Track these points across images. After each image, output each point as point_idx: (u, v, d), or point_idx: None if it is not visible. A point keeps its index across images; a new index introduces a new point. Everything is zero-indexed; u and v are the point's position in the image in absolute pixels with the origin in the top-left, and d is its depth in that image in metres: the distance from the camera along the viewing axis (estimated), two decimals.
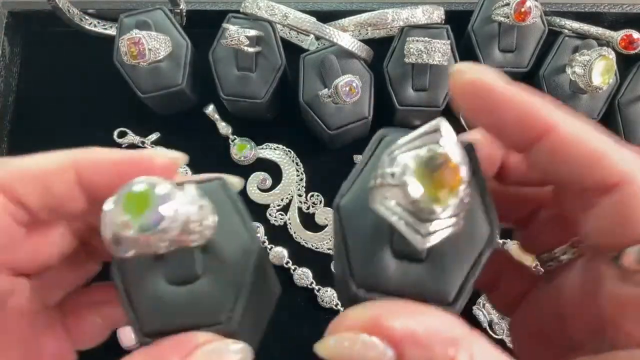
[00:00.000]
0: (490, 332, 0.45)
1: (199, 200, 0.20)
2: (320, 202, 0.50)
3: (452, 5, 0.51)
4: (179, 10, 0.49)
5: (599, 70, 0.44)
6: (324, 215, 0.49)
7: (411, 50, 0.45)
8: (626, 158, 0.19)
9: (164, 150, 0.24)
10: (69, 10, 0.47)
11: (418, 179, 0.17)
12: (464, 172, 0.17)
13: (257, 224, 0.48)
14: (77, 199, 0.22)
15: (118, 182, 0.21)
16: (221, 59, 0.47)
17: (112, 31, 0.49)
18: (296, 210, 0.49)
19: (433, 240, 0.18)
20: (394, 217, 0.18)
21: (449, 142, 0.17)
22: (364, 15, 0.47)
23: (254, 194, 0.49)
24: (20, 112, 0.53)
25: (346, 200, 0.21)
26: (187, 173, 0.47)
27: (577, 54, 0.46)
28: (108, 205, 0.19)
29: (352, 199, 0.21)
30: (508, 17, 0.45)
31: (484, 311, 0.46)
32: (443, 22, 0.48)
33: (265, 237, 0.48)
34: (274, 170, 0.50)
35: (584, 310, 0.21)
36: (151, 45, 0.45)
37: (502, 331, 0.45)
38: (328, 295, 0.47)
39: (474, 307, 0.46)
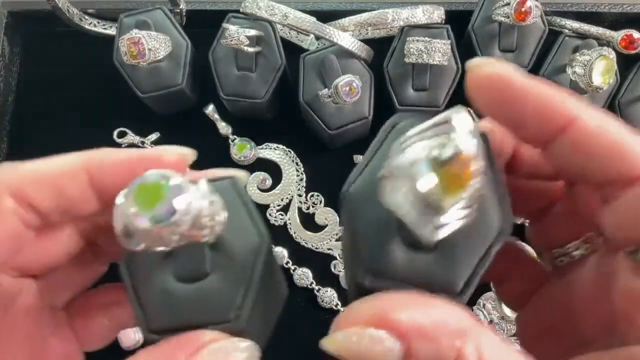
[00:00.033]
0: None
1: (211, 196, 0.20)
2: (320, 202, 0.50)
3: (452, 5, 0.51)
4: (178, 10, 0.49)
5: (599, 70, 0.44)
6: (324, 215, 0.49)
7: (411, 50, 0.45)
8: None
9: (173, 147, 0.24)
10: (68, 10, 0.47)
11: (429, 172, 0.16)
12: (476, 165, 0.17)
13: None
14: (90, 200, 0.22)
15: (130, 181, 0.21)
16: (221, 59, 0.47)
17: (111, 31, 0.49)
18: (296, 210, 0.49)
19: (442, 233, 0.17)
20: (403, 209, 0.17)
21: (462, 134, 0.17)
22: (364, 15, 0.47)
23: (254, 194, 0.49)
24: (19, 112, 0.53)
25: (355, 188, 0.21)
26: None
27: (578, 53, 0.46)
28: (120, 199, 0.19)
29: (361, 187, 0.21)
30: (508, 17, 0.45)
31: (484, 311, 0.46)
32: (443, 22, 0.48)
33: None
34: (274, 170, 0.50)
35: (596, 305, 0.21)
36: (151, 45, 0.44)
37: (502, 331, 0.45)
38: (328, 296, 0.47)
39: (474, 307, 0.46)
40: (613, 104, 0.48)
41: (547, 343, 0.24)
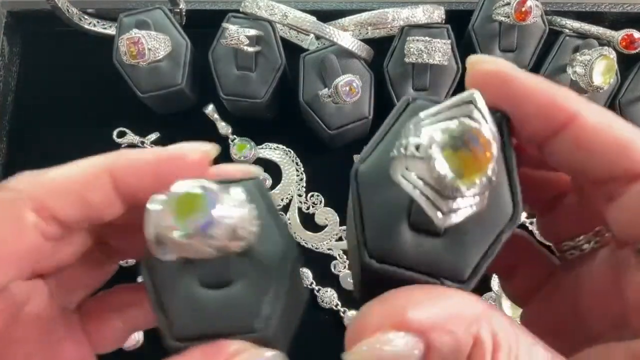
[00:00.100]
0: None
1: (246, 204, 0.19)
2: (320, 202, 0.50)
3: (452, 4, 0.51)
4: (178, 10, 0.49)
5: (599, 70, 0.44)
6: (324, 215, 0.49)
7: (411, 49, 0.45)
8: None
9: (195, 144, 0.23)
10: (68, 10, 0.47)
11: (444, 154, 0.16)
12: (494, 149, 0.16)
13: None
14: (115, 205, 0.21)
15: (153, 183, 0.21)
16: (221, 59, 0.47)
17: (111, 31, 0.49)
18: (296, 211, 0.49)
19: (454, 219, 0.17)
20: (415, 191, 0.16)
21: (482, 116, 0.16)
22: (364, 15, 0.47)
23: None
24: (19, 112, 0.53)
25: (365, 167, 0.20)
26: None
27: (578, 53, 0.46)
28: (154, 205, 0.18)
29: (372, 166, 0.20)
30: (509, 17, 0.45)
31: None
32: (443, 21, 0.48)
33: None
34: (274, 170, 0.50)
35: (607, 299, 0.21)
36: (150, 45, 0.44)
37: None
38: (328, 296, 0.47)
39: None
40: (613, 104, 0.48)
41: (553, 338, 0.24)
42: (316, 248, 0.48)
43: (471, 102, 0.17)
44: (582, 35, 0.48)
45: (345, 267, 0.48)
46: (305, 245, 0.48)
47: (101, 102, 0.52)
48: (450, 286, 0.19)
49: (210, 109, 0.50)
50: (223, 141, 0.50)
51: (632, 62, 0.48)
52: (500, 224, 0.19)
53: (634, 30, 0.46)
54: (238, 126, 0.51)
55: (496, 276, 0.47)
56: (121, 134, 0.51)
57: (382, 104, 0.48)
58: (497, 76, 0.19)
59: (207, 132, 0.51)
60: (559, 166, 0.21)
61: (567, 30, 0.48)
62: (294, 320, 0.26)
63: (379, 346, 0.16)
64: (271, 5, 0.46)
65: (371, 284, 0.22)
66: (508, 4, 0.45)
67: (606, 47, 0.45)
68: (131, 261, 0.47)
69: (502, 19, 0.46)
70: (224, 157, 0.50)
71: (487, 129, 0.16)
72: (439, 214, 0.16)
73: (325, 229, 0.49)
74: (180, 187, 0.18)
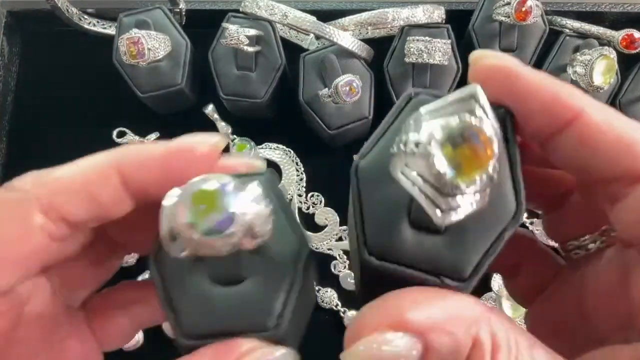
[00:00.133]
0: None
1: (262, 200, 0.18)
2: (320, 202, 0.49)
3: (452, 4, 0.51)
4: (178, 10, 0.49)
5: (600, 70, 0.44)
6: (324, 215, 0.49)
7: (411, 49, 0.45)
8: None
9: (203, 136, 0.22)
10: (67, 10, 0.47)
11: (444, 151, 0.15)
12: (495, 146, 0.16)
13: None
14: (124, 202, 0.21)
15: (162, 177, 0.20)
16: (221, 59, 0.47)
17: (111, 30, 0.49)
18: (296, 210, 0.49)
19: (454, 217, 0.16)
20: (414, 188, 0.16)
21: (484, 112, 0.16)
22: (364, 15, 0.47)
23: None
24: (19, 112, 0.53)
25: (366, 162, 0.20)
26: None
27: (578, 53, 0.46)
28: (169, 200, 0.18)
29: (373, 162, 0.20)
30: (509, 17, 0.45)
31: None
32: (443, 21, 0.48)
33: None
34: (274, 170, 0.50)
35: (613, 300, 0.21)
36: (150, 45, 0.44)
37: None
38: (328, 296, 0.47)
39: None
40: (614, 104, 0.48)
41: (558, 338, 0.24)
42: (316, 248, 0.48)
43: (473, 97, 0.16)
44: (583, 35, 0.48)
45: (345, 267, 0.48)
46: None
47: (101, 102, 0.52)
48: (451, 284, 0.18)
49: (210, 109, 0.50)
50: None
51: (632, 62, 0.48)
52: (502, 222, 0.19)
53: (634, 30, 0.46)
54: (238, 126, 0.51)
55: (496, 276, 0.47)
56: (121, 134, 0.51)
57: (382, 104, 0.48)
58: (501, 71, 0.19)
59: (207, 132, 0.50)
60: (562, 164, 0.20)
61: (567, 30, 0.48)
62: (305, 319, 0.25)
63: (376, 346, 0.16)
64: (271, 5, 0.46)
65: (371, 283, 0.22)
66: (508, 3, 0.45)
67: (606, 47, 0.45)
68: (131, 261, 0.47)
69: (503, 18, 0.46)
70: None
71: (489, 125, 0.16)
72: (438, 212, 0.16)
73: (325, 229, 0.49)
74: (197, 182, 0.18)
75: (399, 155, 0.17)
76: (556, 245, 0.26)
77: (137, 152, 0.21)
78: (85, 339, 0.24)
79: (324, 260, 0.48)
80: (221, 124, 0.50)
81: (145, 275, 0.46)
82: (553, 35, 0.48)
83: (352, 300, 0.47)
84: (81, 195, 0.20)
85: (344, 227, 0.48)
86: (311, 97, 0.46)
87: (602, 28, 0.47)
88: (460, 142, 0.16)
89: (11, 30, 0.53)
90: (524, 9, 0.45)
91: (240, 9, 0.47)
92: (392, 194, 0.19)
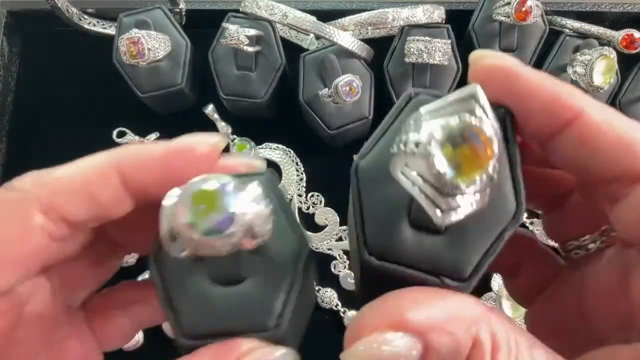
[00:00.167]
0: None
1: (262, 200, 0.18)
2: (320, 202, 0.49)
3: (452, 4, 0.51)
4: (178, 10, 0.49)
5: (600, 70, 0.44)
6: (324, 215, 0.49)
7: (411, 49, 0.45)
8: None
9: (203, 136, 0.22)
10: (67, 10, 0.47)
11: (444, 151, 0.15)
12: (495, 146, 0.16)
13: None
14: (124, 202, 0.21)
15: (162, 177, 0.20)
16: (221, 59, 0.47)
17: (111, 30, 0.49)
18: (296, 211, 0.49)
19: (454, 217, 0.16)
20: (414, 188, 0.16)
21: (484, 112, 0.16)
22: (364, 15, 0.47)
23: None
24: (19, 112, 0.53)
25: (366, 162, 0.20)
26: None
27: (578, 53, 0.46)
28: (169, 200, 0.18)
29: (372, 161, 0.20)
30: (509, 17, 0.45)
31: None
32: (443, 21, 0.48)
33: None
34: (274, 170, 0.50)
35: (613, 300, 0.21)
36: (150, 45, 0.44)
37: None
38: (328, 296, 0.47)
39: None
40: (614, 104, 0.48)
41: (558, 338, 0.24)
42: (316, 248, 0.48)
43: (473, 97, 0.16)
44: (583, 35, 0.48)
45: (345, 267, 0.48)
46: None
47: (101, 102, 0.52)
48: (451, 285, 0.18)
49: (210, 109, 0.50)
50: None
51: (632, 62, 0.48)
52: (502, 222, 0.19)
53: (634, 30, 0.46)
54: (238, 126, 0.51)
55: (496, 276, 0.47)
56: (121, 134, 0.51)
57: (382, 104, 0.48)
58: (501, 71, 0.19)
59: (207, 132, 0.50)
60: (562, 164, 0.20)
61: (567, 30, 0.48)
62: (305, 319, 0.25)
63: (376, 346, 0.16)
64: (271, 5, 0.46)
65: (371, 283, 0.22)
66: (508, 3, 0.45)
67: (606, 47, 0.45)
68: (131, 261, 0.47)
69: (503, 18, 0.46)
70: None
71: (489, 125, 0.16)
72: (438, 212, 0.16)
73: (325, 229, 0.49)
74: (197, 182, 0.18)
75: (399, 155, 0.17)
76: (556, 245, 0.26)
77: (137, 152, 0.21)
78: (85, 339, 0.24)
79: (324, 260, 0.48)
80: (221, 124, 0.50)
81: (145, 275, 0.46)
82: (553, 35, 0.48)
83: (352, 300, 0.47)
84: (81, 195, 0.20)
85: (344, 227, 0.48)
86: (311, 97, 0.46)
87: (602, 28, 0.47)
88: (460, 142, 0.16)
89: (11, 30, 0.53)
90: (524, 9, 0.45)
91: (240, 9, 0.47)
92: (392, 194, 0.19)
